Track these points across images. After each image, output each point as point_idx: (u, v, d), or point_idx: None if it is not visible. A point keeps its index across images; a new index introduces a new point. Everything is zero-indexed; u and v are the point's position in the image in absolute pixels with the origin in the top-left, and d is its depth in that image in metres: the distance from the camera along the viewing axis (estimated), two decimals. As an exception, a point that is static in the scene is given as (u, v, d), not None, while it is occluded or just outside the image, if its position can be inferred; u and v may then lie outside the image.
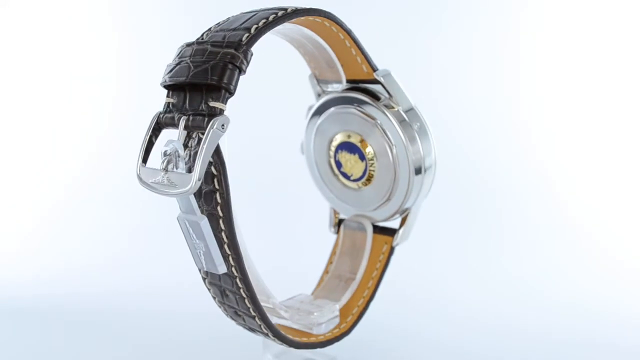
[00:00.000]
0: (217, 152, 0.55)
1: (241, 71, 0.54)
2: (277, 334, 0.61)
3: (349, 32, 0.63)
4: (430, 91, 0.85)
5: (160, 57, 0.60)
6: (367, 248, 0.72)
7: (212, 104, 0.53)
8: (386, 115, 0.66)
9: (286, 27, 0.62)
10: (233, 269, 0.57)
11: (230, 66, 0.53)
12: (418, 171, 0.67)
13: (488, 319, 0.81)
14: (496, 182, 1.08)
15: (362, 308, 0.71)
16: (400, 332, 0.78)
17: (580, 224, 1.03)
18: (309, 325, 0.67)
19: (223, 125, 0.53)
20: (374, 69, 0.66)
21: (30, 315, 0.84)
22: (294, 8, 0.58)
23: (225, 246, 0.56)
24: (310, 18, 0.60)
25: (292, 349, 0.66)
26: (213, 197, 0.55)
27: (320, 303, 0.69)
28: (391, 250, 0.72)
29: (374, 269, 0.72)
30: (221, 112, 0.53)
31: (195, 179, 0.51)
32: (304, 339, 0.66)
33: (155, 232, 0.99)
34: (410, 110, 0.67)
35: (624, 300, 0.86)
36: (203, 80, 0.52)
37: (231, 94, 0.53)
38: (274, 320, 0.65)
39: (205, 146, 0.52)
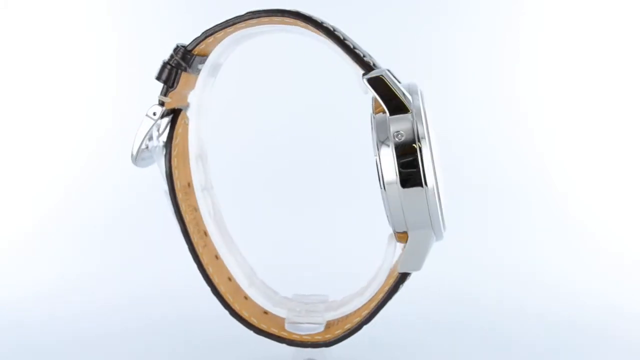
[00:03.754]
0: (169, 137, 0.65)
1: (175, 68, 0.62)
2: (231, 312, 0.67)
3: (325, 31, 0.59)
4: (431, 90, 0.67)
5: (159, 57, 0.68)
6: (384, 266, 0.64)
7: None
8: (375, 121, 0.59)
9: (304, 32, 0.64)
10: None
11: (167, 65, 0.63)
12: (389, 184, 0.57)
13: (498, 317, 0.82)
14: (501, 178, 1.10)
15: (353, 326, 0.65)
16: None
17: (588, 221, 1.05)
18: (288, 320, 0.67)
19: (154, 113, 0.63)
20: (363, 70, 0.59)
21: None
22: (252, 11, 0.61)
23: None
24: (277, 19, 0.61)
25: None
26: None
27: (318, 307, 0.68)
28: (401, 277, 0.62)
29: (383, 291, 0.63)
30: (160, 102, 0.63)
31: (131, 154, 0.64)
32: (274, 330, 0.67)
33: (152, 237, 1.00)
34: (397, 114, 0.58)
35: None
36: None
37: (169, 87, 0.63)
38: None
39: (139, 128, 0.63)
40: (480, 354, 0.74)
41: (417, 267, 0.61)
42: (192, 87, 0.66)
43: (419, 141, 0.57)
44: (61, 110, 1.15)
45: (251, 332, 0.68)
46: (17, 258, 0.99)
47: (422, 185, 0.57)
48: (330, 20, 0.63)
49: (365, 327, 0.67)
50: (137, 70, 1.00)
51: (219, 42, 0.64)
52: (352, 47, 0.60)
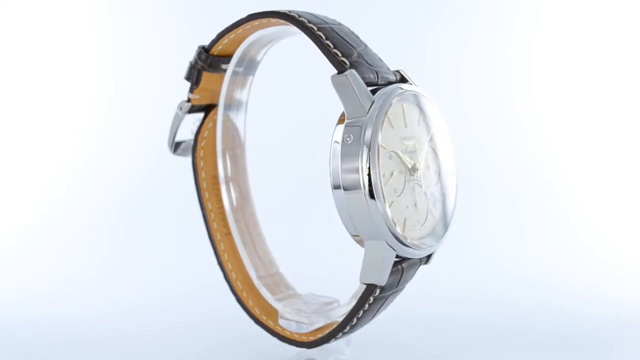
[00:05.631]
0: (197, 130, 0.70)
1: (196, 68, 0.68)
2: (237, 298, 0.70)
3: (308, 31, 0.58)
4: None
5: (159, 57, 0.71)
6: None
7: None
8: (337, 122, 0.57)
9: None
10: None
11: (190, 65, 0.68)
12: (335, 188, 0.56)
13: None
14: (500, 180, 1.11)
15: (330, 331, 0.63)
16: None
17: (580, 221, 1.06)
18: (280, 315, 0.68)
19: (181, 108, 0.68)
20: (337, 70, 0.57)
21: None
22: (251, 13, 0.63)
23: None
24: (273, 20, 0.62)
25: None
26: None
27: (309, 308, 0.67)
28: (368, 288, 0.57)
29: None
30: (187, 99, 0.68)
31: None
32: (270, 324, 0.69)
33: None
34: (353, 120, 0.56)
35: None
36: None
37: (192, 84, 0.68)
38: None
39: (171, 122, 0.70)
40: (484, 354, 0.73)
41: (379, 280, 0.57)
42: (219, 85, 0.71)
43: (367, 147, 0.55)
44: (61, 110, 1.12)
45: (253, 334, 0.71)
46: (18, 258, 0.98)
47: (362, 193, 0.54)
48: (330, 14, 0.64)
49: (373, 329, 0.67)
50: (138, 70, 1.05)
51: (238, 43, 0.68)
52: (331, 46, 0.59)
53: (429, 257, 0.63)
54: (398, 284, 0.61)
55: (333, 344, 0.69)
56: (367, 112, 0.56)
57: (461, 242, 0.90)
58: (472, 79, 1.15)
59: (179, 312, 0.83)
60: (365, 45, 0.63)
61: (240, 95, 0.73)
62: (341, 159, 0.55)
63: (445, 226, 0.62)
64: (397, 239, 0.56)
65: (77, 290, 0.90)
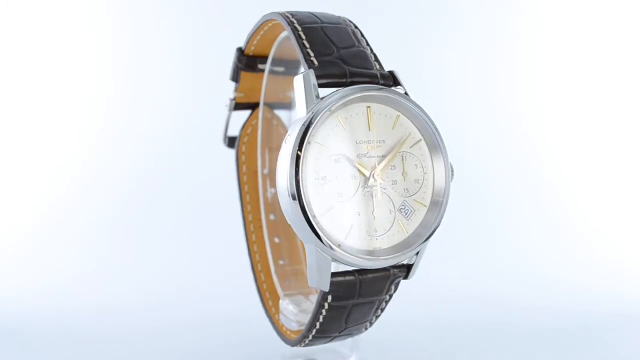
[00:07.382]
0: (242, 127, 0.74)
1: (238, 67, 0.71)
2: (256, 285, 0.72)
3: (292, 29, 0.58)
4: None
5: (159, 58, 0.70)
6: None
7: None
8: None
9: None
10: None
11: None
12: (277, 185, 0.55)
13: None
14: (499, 180, 1.09)
15: (299, 334, 0.61)
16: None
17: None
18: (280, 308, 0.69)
19: (226, 105, 0.72)
20: (304, 68, 0.56)
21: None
22: (264, 15, 0.63)
23: None
24: (276, 22, 0.61)
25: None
26: None
27: (301, 307, 0.67)
28: (320, 294, 0.55)
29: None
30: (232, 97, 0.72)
31: None
32: (276, 317, 0.70)
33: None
34: (296, 120, 0.55)
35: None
36: None
37: (234, 82, 0.71)
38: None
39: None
40: (485, 354, 0.73)
41: (320, 286, 0.55)
42: (259, 84, 0.73)
43: (297, 147, 0.53)
44: (62, 109, 1.12)
45: (253, 334, 0.75)
46: (18, 258, 0.99)
47: (288, 195, 0.53)
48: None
49: (378, 332, 0.66)
50: (139, 70, 1.05)
51: (270, 43, 0.69)
52: (307, 46, 0.58)
53: (408, 271, 0.59)
54: (359, 294, 0.57)
55: (338, 347, 0.68)
56: (307, 113, 0.54)
57: (461, 242, 0.92)
58: (471, 79, 1.13)
59: (179, 312, 0.85)
60: (362, 45, 0.60)
61: (285, 93, 0.75)
62: (278, 161, 0.55)
63: (420, 237, 0.57)
64: (330, 246, 0.54)
65: (76, 289, 0.92)
